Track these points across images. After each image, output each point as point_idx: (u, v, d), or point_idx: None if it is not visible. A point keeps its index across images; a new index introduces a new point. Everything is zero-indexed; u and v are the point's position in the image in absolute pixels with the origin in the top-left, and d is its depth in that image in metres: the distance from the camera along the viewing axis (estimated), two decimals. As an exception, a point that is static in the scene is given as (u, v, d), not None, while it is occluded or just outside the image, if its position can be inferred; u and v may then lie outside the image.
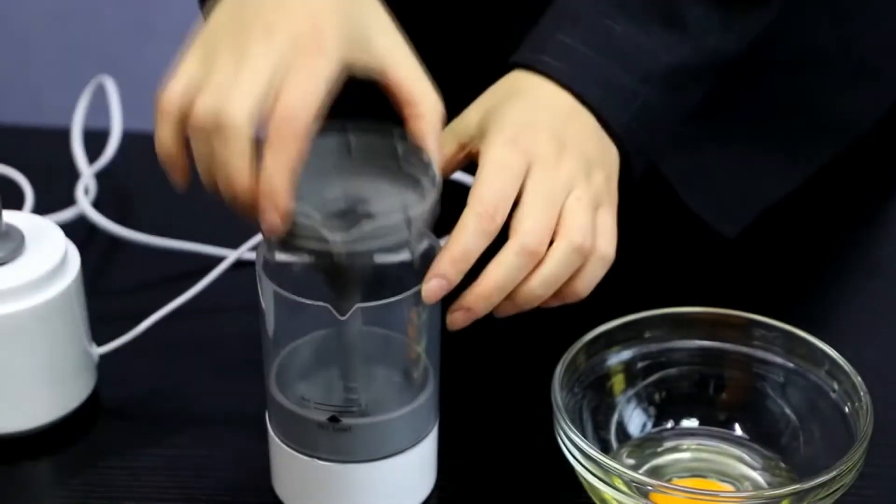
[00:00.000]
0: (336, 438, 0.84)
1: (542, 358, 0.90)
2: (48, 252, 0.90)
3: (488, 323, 1.03)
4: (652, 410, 0.91)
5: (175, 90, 0.78)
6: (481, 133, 0.86)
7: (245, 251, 1.00)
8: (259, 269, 0.82)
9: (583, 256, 0.83)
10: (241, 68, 0.77)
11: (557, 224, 0.83)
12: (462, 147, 0.87)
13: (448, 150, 0.86)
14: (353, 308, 0.81)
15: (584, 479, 0.84)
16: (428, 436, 0.86)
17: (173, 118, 0.79)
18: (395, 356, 0.86)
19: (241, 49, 0.77)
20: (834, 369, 0.88)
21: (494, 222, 0.82)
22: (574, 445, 0.83)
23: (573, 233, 0.82)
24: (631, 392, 0.91)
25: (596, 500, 0.85)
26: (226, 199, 0.78)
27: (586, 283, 0.85)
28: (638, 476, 0.82)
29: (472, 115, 0.87)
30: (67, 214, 1.09)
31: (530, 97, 0.87)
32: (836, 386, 0.87)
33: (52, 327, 0.90)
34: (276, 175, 0.76)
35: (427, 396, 0.86)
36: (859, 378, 0.86)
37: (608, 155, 0.88)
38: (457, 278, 0.81)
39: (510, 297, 0.83)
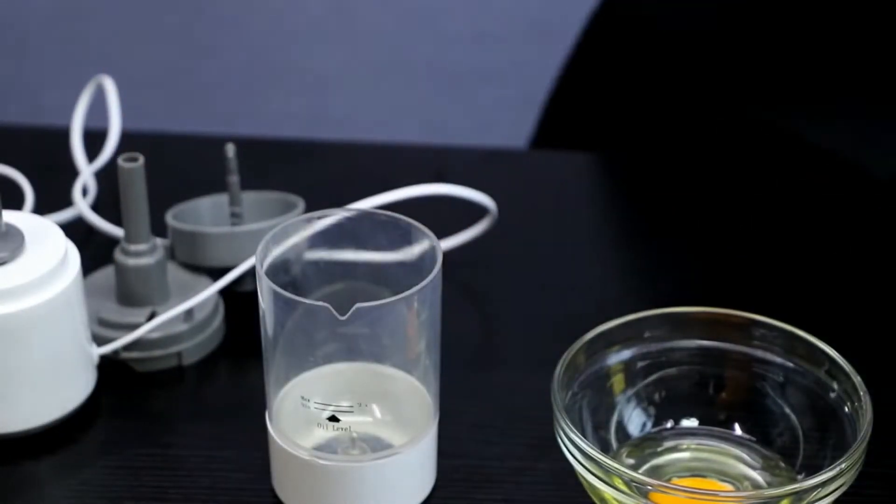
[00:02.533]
0: (336, 438, 0.84)
1: (542, 358, 0.90)
2: (48, 252, 0.90)
3: (488, 322, 1.03)
4: (652, 410, 0.91)
5: None
6: None
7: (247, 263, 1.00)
8: (259, 269, 0.83)
9: None
10: None
11: None
12: None
13: None
14: (353, 308, 0.81)
15: (584, 478, 0.84)
16: (428, 436, 0.86)
17: None
18: (396, 356, 0.86)
19: None
20: (834, 369, 0.88)
21: None
22: (574, 445, 0.83)
23: None
24: (631, 392, 0.91)
25: (596, 500, 0.85)
26: None
27: None
28: (638, 476, 0.82)
29: None
30: (67, 214, 1.09)
31: None
32: (835, 386, 0.87)
33: (52, 327, 0.90)
34: None
35: (427, 396, 0.86)
36: (859, 378, 0.86)
37: None
38: None
39: None
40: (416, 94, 2.19)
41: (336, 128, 2.13)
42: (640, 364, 0.90)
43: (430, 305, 0.83)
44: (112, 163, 1.13)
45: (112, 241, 1.03)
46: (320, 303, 0.81)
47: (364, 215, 0.87)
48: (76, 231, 1.04)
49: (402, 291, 0.81)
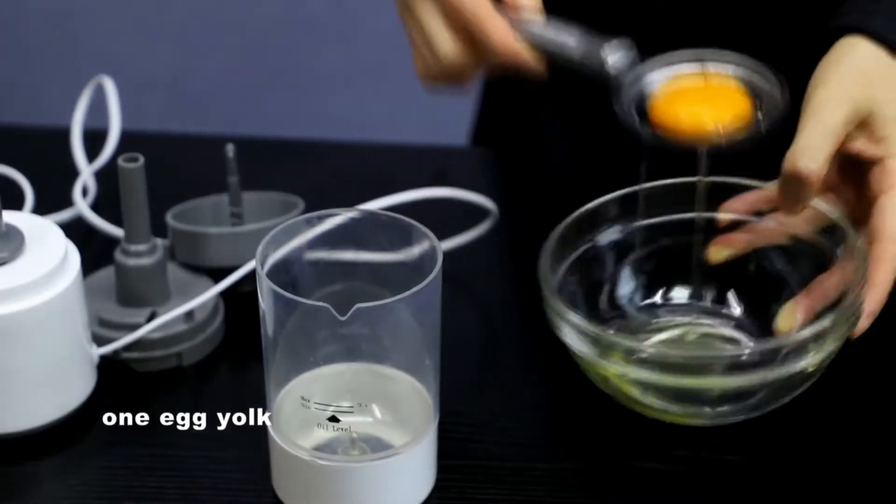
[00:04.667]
0: (336, 438, 0.84)
1: (542, 358, 0.90)
2: (48, 252, 0.90)
3: (488, 322, 1.03)
4: (643, 279, 0.91)
5: None
6: (868, 131, 0.86)
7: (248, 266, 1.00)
8: (259, 269, 0.83)
9: None
10: None
11: None
12: (836, 145, 0.86)
13: (828, 151, 0.85)
14: (353, 308, 0.81)
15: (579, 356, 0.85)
16: (428, 436, 0.86)
17: None
18: (396, 356, 0.86)
19: None
20: (828, 226, 0.87)
21: None
22: (566, 322, 0.84)
23: None
24: (623, 264, 0.91)
25: (598, 381, 0.86)
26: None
27: None
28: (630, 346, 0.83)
29: (837, 107, 0.85)
30: (67, 214, 1.09)
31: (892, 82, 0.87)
32: (829, 244, 0.87)
33: (52, 327, 0.90)
34: (493, 43, 0.89)
35: (427, 396, 0.86)
36: (853, 230, 0.86)
37: None
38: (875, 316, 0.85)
39: None
40: (416, 94, 2.19)
41: (336, 128, 2.12)
42: (631, 238, 0.90)
43: (430, 306, 0.83)
44: (112, 163, 1.13)
45: (112, 241, 1.03)
46: (320, 303, 0.81)
47: (364, 216, 0.87)
48: (76, 231, 1.04)
49: (403, 292, 0.81)
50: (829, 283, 0.87)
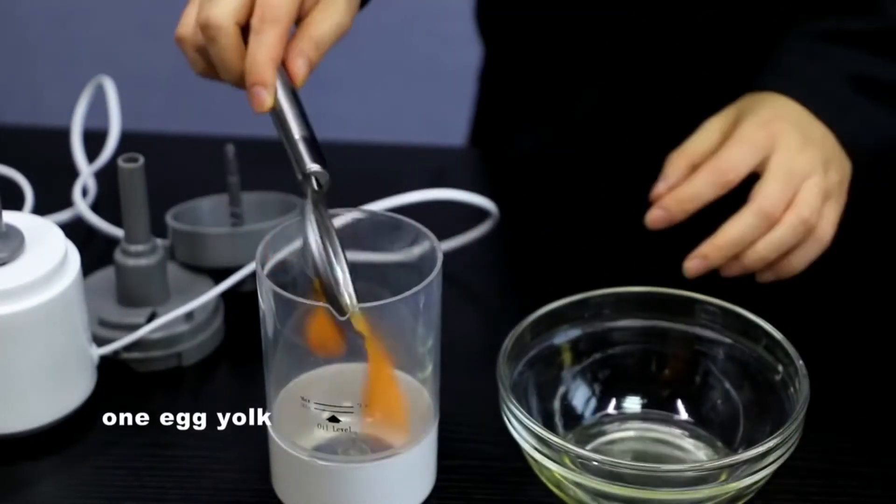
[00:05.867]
0: (336, 438, 0.84)
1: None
2: (48, 252, 0.90)
3: (488, 322, 1.04)
4: (597, 388, 0.91)
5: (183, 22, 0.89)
6: (736, 122, 1.00)
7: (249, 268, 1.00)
8: (259, 270, 0.82)
9: (807, 231, 0.96)
10: None
11: (791, 200, 0.96)
12: (723, 135, 1.00)
13: (714, 138, 1.00)
14: (354, 308, 0.81)
15: (530, 455, 0.84)
16: (428, 436, 0.86)
17: (188, 43, 0.88)
18: (396, 356, 0.86)
19: None
20: (771, 344, 0.89)
21: (726, 178, 0.97)
22: (520, 423, 0.84)
23: (803, 208, 0.96)
24: (576, 369, 0.91)
25: (544, 479, 0.85)
26: (232, 84, 0.88)
27: (801, 259, 0.98)
28: (584, 452, 0.83)
29: (726, 113, 1.01)
30: (67, 215, 1.09)
31: (777, 106, 1.01)
32: (772, 360, 0.88)
33: (52, 327, 0.90)
34: (258, 54, 0.84)
35: (427, 396, 0.86)
36: (800, 360, 0.87)
37: (844, 162, 1.01)
38: (679, 214, 0.98)
39: (738, 256, 0.97)
40: (416, 94, 2.19)
41: (336, 128, 2.12)
42: (586, 342, 0.91)
43: (430, 306, 0.83)
44: (112, 163, 1.13)
45: (112, 241, 1.03)
46: (320, 303, 0.81)
47: (364, 216, 0.87)
48: (76, 231, 1.04)
49: (403, 292, 0.81)
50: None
